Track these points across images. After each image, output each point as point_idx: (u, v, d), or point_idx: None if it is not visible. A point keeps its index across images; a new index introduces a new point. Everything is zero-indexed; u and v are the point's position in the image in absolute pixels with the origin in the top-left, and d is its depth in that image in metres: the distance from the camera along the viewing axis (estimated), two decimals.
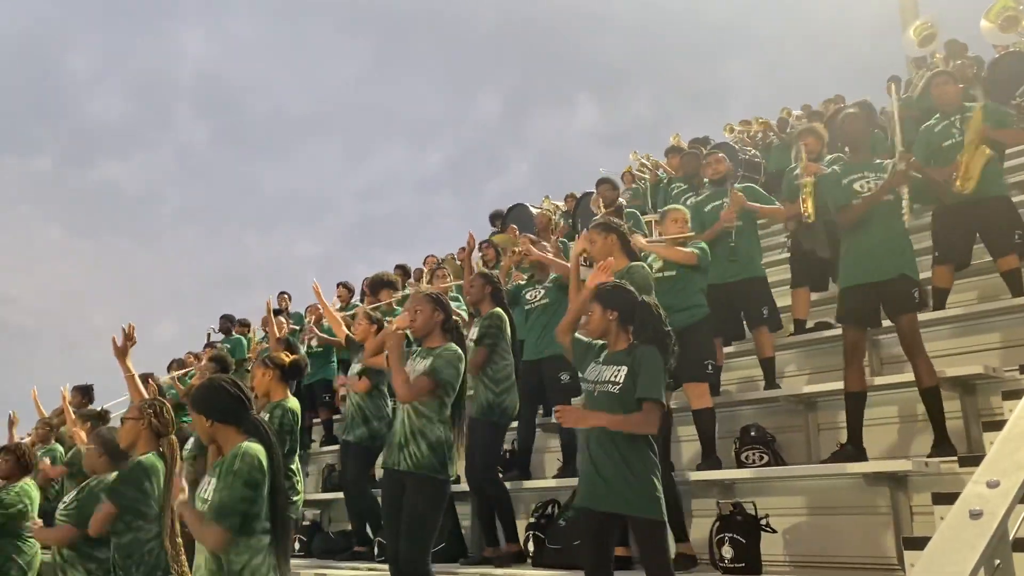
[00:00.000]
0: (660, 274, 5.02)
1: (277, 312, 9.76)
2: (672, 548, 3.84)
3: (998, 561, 1.39)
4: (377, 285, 7.17)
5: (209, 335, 11.21)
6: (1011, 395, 4.21)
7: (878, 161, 4.83)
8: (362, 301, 9.23)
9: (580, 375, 3.62)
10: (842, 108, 9.32)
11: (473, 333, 5.36)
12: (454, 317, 4.36)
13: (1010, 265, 5.43)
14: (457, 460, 4.24)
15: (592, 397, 3.49)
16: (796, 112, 12.12)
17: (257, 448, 2.96)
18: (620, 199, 8.61)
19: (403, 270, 10.37)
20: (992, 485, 1.48)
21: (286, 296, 11.08)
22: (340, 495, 7.04)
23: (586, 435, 3.53)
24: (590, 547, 3.44)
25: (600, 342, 3.61)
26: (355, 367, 6.23)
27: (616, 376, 3.41)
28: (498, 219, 11.92)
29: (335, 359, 9.05)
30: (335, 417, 8.92)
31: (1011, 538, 1.44)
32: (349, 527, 6.61)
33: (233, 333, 10.85)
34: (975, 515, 1.40)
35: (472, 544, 5.82)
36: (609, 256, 4.45)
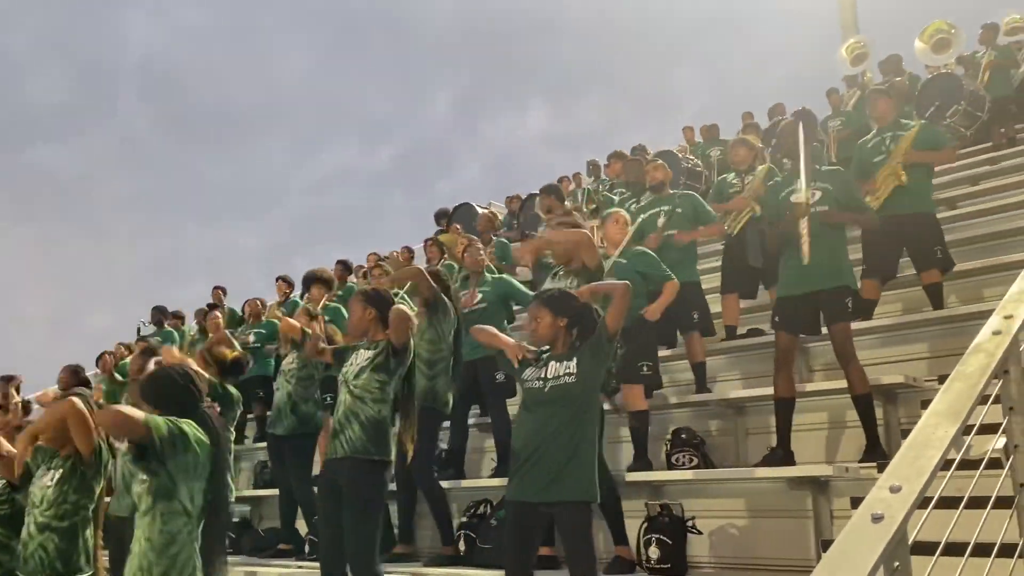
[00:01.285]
0: None
1: (212, 307, 9.59)
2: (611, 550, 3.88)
3: (897, 563, 1.44)
4: (309, 280, 7.08)
5: (139, 328, 10.93)
6: (930, 404, 4.35)
7: (816, 167, 4.95)
8: (301, 297, 9.12)
9: (521, 377, 3.59)
10: (782, 118, 9.55)
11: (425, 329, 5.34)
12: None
13: (932, 279, 5.63)
14: (407, 445, 4.18)
15: (542, 394, 3.44)
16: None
17: (195, 435, 2.94)
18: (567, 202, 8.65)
19: (344, 266, 10.25)
20: (894, 490, 1.53)
21: (220, 291, 10.89)
22: (272, 492, 6.97)
23: (533, 425, 3.47)
24: (516, 542, 3.43)
25: (543, 353, 3.63)
26: (284, 365, 6.16)
27: (568, 369, 3.41)
28: (444, 218, 11.91)
29: (271, 357, 8.92)
30: (268, 413, 8.79)
31: (910, 541, 1.49)
32: (278, 525, 6.53)
33: (165, 326, 10.63)
34: (877, 518, 1.45)
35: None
36: (573, 255, 4.44)
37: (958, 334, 5.26)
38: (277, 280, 9.63)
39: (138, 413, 2.82)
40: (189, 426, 2.92)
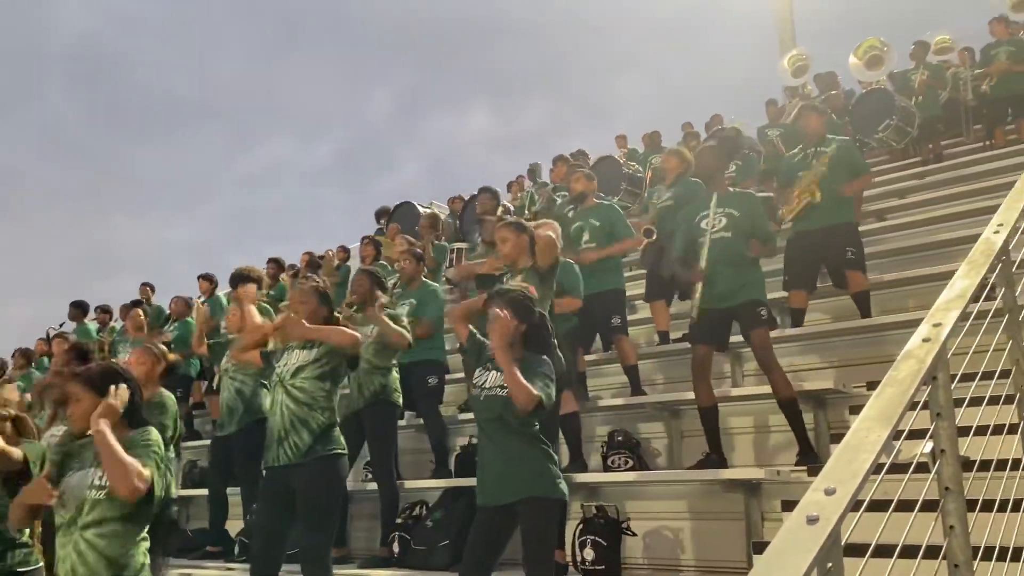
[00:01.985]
0: None
1: (135, 303, 9.32)
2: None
3: (830, 564, 1.46)
4: (236, 279, 6.93)
5: (49, 332, 10.42)
6: (858, 409, 4.43)
7: (731, 189, 5.03)
8: (228, 295, 8.94)
9: (471, 381, 3.59)
10: (713, 134, 9.72)
11: (372, 330, 5.28)
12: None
13: (860, 286, 5.79)
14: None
15: (479, 403, 3.47)
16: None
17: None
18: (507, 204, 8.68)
19: (276, 264, 10.08)
20: (829, 492, 1.55)
21: (148, 288, 10.58)
22: (199, 492, 6.82)
23: (482, 432, 3.51)
24: (481, 546, 3.41)
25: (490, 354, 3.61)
26: (225, 364, 5.99)
27: (502, 381, 3.38)
28: (384, 216, 11.80)
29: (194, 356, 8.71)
30: (194, 412, 8.59)
31: (843, 543, 1.52)
32: (206, 525, 6.37)
33: (84, 321, 10.30)
34: (812, 520, 1.47)
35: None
36: (519, 254, 4.44)
37: (884, 342, 5.43)
38: (199, 278, 9.40)
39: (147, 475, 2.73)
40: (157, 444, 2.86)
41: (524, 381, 3.24)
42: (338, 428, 4.02)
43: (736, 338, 4.91)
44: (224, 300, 8.39)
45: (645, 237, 6.42)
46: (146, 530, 2.85)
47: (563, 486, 3.41)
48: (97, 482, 2.80)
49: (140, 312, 8.76)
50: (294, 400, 3.93)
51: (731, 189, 5.06)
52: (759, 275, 4.85)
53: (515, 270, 4.41)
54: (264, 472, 4.10)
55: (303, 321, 4.00)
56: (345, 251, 10.58)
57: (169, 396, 4.73)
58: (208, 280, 9.11)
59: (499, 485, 3.37)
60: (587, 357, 6.08)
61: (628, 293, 6.55)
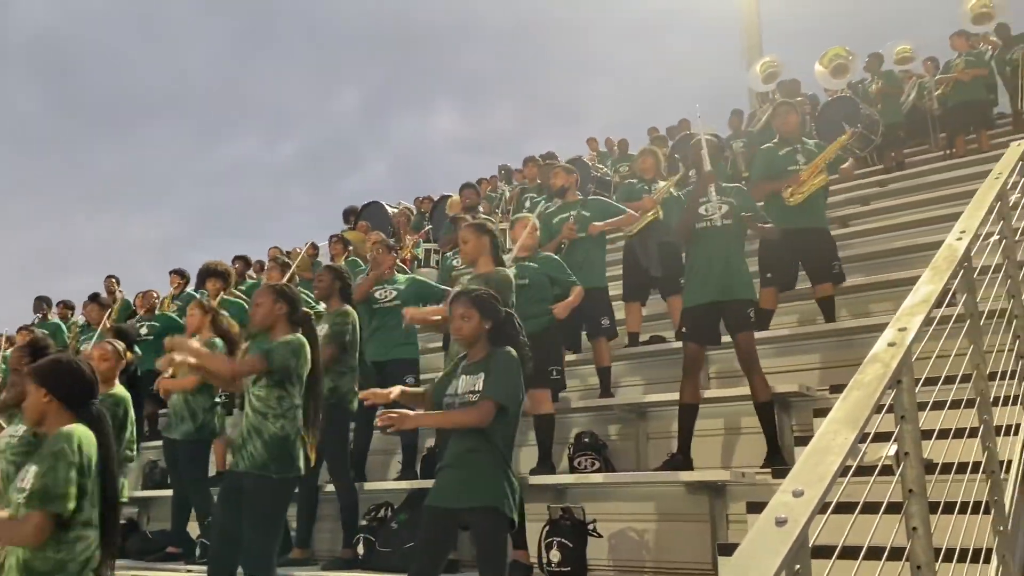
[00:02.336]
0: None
1: (94, 297, 9.15)
2: (509, 553, 3.87)
3: (798, 566, 1.47)
4: (204, 274, 6.84)
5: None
6: (822, 413, 4.53)
7: (721, 183, 5.11)
8: (196, 290, 8.82)
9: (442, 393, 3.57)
10: (688, 134, 9.82)
11: (323, 329, 5.24)
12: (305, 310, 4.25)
13: (826, 292, 5.88)
14: (309, 456, 4.11)
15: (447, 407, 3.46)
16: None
17: (85, 432, 2.77)
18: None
19: (244, 261, 9.98)
20: (797, 494, 1.56)
21: (114, 280, 10.40)
22: (160, 493, 6.72)
23: (451, 443, 3.49)
24: (426, 547, 3.40)
25: (461, 358, 3.60)
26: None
27: (475, 385, 3.37)
28: (352, 216, 11.73)
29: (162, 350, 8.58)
30: (161, 412, 8.45)
31: (811, 545, 1.53)
32: (168, 527, 6.27)
33: (50, 317, 10.09)
34: (780, 522, 1.47)
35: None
36: (480, 256, 4.48)
37: (847, 346, 5.51)
38: (171, 273, 9.28)
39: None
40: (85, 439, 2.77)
41: (460, 415, 3.32)
42: (296, 441, 3.96)
43: None
44: (194, 296, 8.29)
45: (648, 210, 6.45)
46: (88, 529, 2.76)
47: (513, 506, 3.37)
48: (20, 484, 2.72)
49: (97, 307, 8.59)
50: (252, 408, 3.93)
51: (722, 183, 5.12)
52: (748, 272, 4.96)
53: (477, 274, 4.44)
54: (224, 475, 4.08)
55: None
56: (315, 248, 10.51)
57: (126, 394, 4.65)
58: (180, 275, 9.00)
59: (455, 490, 3.35)
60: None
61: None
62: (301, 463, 3.97)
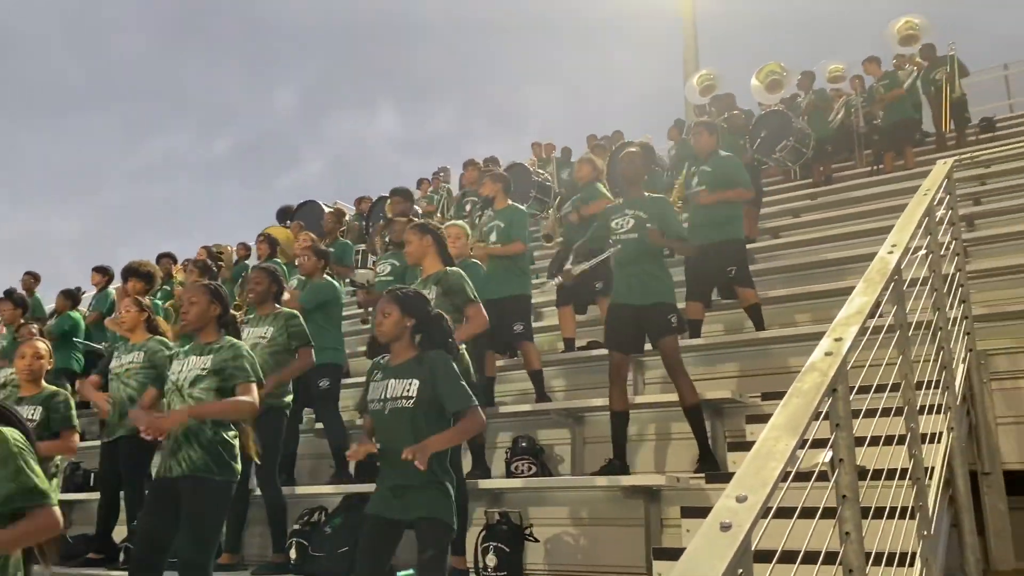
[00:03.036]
0: None
1: (8, 294, 8.80)
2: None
3: (741, 570, 1.49)
4: (128, 272, 6.63)
5: None
6: (753, 418, 4.65)
7: (646, 194, 5.19)
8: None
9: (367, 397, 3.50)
10: (624, 144, 9.95)
11: (267, 332, 5.12)
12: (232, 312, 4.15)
13: (749, 300, 6.02)
14: (250, 453, 4.00)
15: (383, 416, 3.36)
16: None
17: (13, 432, 2.64)
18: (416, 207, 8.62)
19: (171, 259, 9.72)
20: (740, 500, 1.58)
21: (31, 277, 9.99)
22: (83, 496, 6.49)
23: (385, 448, 3.41)
24: (369, 555, 3.35)
25: (382, 360, 3.55)
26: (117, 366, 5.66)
27: (408, 390, 3.32)
28: (287, 215, 11.53)
29: (79, 351, 8.29)
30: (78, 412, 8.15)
31: (753, 549, 1.56)
32: (88, 531, 6.05)
33: None
34: (725, 527, 1.50)
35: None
36: (425, 256, 4.45)
37: (777, 354, 5.66)
38: (93, 270, 8.98)
39: None
40: None
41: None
42: (234, 445, 3.87)
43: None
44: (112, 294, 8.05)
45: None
46: None
47: (454, 509, 3.36)
48: None
49: (9, 306, 8.23)
50: None
51: (646, 194, 5.18)
52: (668, 280, 5.00)
53: (427, 277, 4.43)
54: (153, 481, 3.94)
55: (184, 412, 3.72)
56: (246, 248, 10.29)
57: (60, 389, 4.51)
58: (102, 272, 8.70)
59: (398, 501, 3.31)
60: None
61: (534, 300, 6.59)
62: (239, 466, 3.88)
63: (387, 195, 9.51)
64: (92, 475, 6.89)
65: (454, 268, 4.61)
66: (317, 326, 5.68)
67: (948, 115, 10.66)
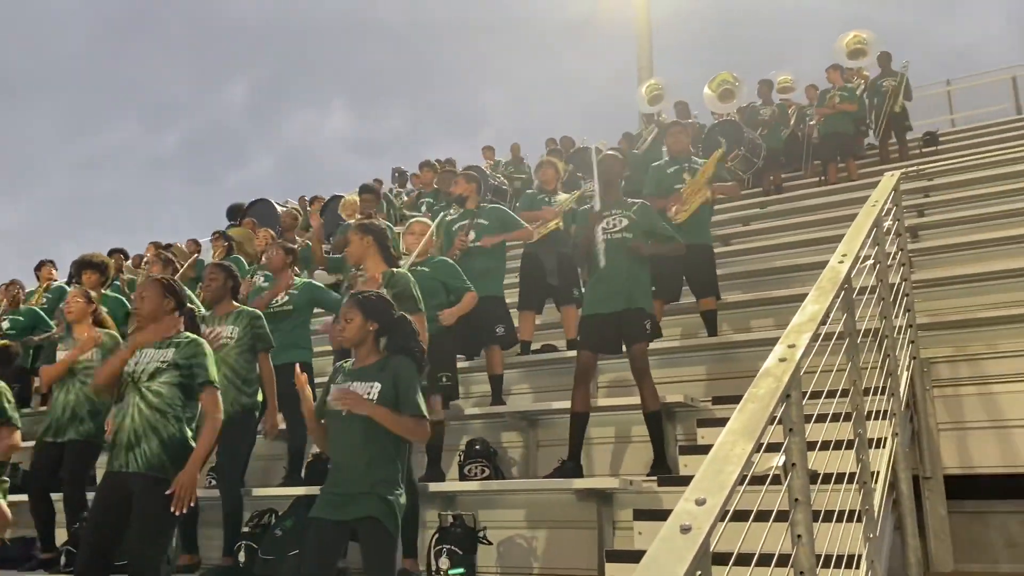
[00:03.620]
0: None
1: None
2: (399, 561, 3.85)
3: (700, 572, 1.52)
4: (82, 266, 6.49)
5: None
6: (705, 422, 4.72)
7: (628, 200, 5.23)
8: (69, 283, 8.35)
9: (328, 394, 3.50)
10: (586, 147, 10.04)
11: (233, 331, 5.04)
12: (189, 306, 4.09)
13: (708, 306, 6.13)
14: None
15: (339, 418, 3.36)
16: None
17: None
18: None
19: (122, 255, 9.53)
20: (700, 503, 1.61)
21: None
22: (19, 498, 6.29)
23: (338, 453, 3.43)
24: (315, 559, 3.33)
25: (346, 364, 3.54)
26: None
27: (369, 393, 3.33)
28: (238, 213, 11.37)
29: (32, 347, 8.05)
30: (24, 411, 7.92)
31: (711, 551, 1.58)
32: (25, 534, 5.88)
33: None
34: (685, 530, 1.52)
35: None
36: (365, 257, 4.44)
37: (728, 360, 5.76)
38: (43, 265, 8.75)
39: None
40: None
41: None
42: (193, 442, 3.81)
43: None
44: (66, 288, 7.85)
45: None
46: None
47: (399, 517, 3.36)
48: None
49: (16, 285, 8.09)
50: (148, 405, 3.71)
51: (628, 200, 5.22)
52: (648, 285, 5.06)
53: (367, 272, 4.42)
54: (104, 477, 3.84)
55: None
56: (196, 244, 10.12)
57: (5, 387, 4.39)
58: (51, 267, 8.49)
59: (342, 502, 3.31)
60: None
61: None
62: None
63: (340, 194, 9.45)
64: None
65: (401, 271, 4.61)
66: (299, 325, 5.65)
67: (886, 127, 10.94)
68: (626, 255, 4.92)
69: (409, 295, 4.39)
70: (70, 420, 5.23)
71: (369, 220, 5.14)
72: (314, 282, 6.25)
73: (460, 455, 5.29)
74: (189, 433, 3.77)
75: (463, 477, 5.12)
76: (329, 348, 7.06)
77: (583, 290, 6.26)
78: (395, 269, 4.59)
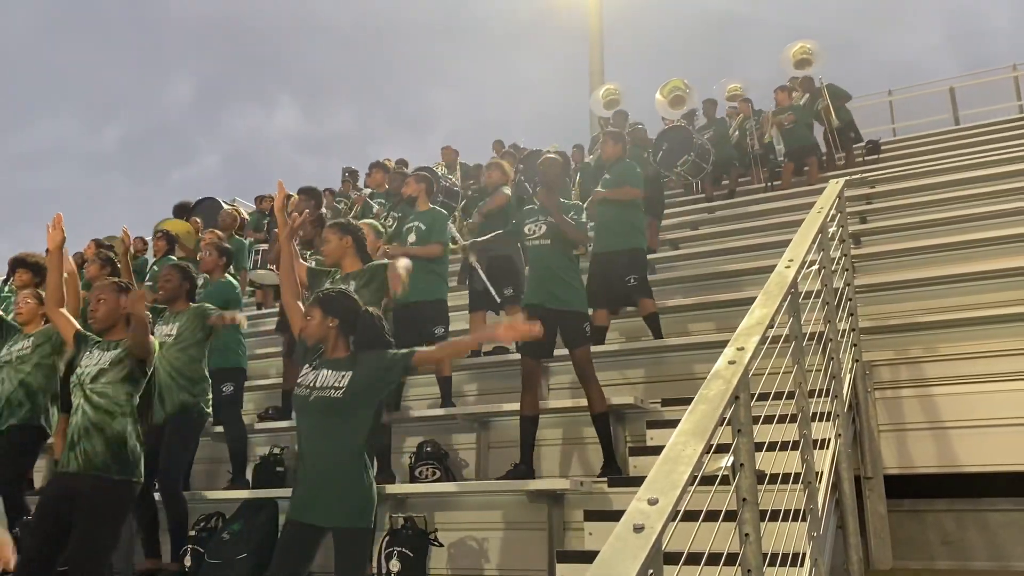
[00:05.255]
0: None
1: None
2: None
3: (652, 571, 1.54)
4: (16, 264, 6.32)
5: None
6: (654, 424, 4.78)
7: (562, 201, 5.27)
8: (5, 282, 8.09)
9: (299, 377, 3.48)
10: (536, 151, 10.09)
11: (173, 329, 4.97)
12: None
13: (648, 310, 6.19)
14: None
15: (307, 403, 3.34)
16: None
17: None
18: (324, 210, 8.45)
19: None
20: (652, 503, 1.64)
21: None
22: None
23: (304, 444, 3.39)
24: (284, 558, 3.29)
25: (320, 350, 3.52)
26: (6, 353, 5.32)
27: (340, 381, 3.31)
28: (184, 212, 11.14)
29: None
30: None
31: (663, 550, 1.61)
32: None
33: None
34: (638, 529, 1.55)
35: (119, 557, 5.29)
36: (342, 256, 4.40)
37: (675, 362, 5.83)
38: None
39: None
40: None
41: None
42: (138, 443, 3.74)
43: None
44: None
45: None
46: None
47: (373, 513, 3.37)
48: None
49: None
50: (92, 406, 3.66)
51: (561, 200, 5.25)
52: (581, 288, 5.11)
53: (347, 274, 4.39)
54: (48, 482, 3.75)
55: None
56: (143, 242, 9.90)
57: None
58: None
59: (316, 505, 3.28)
60: None
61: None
62: (142, 468, 3.74)
63: (290, 194, 9.30)
64: None
65: (379, 264, 4.57)
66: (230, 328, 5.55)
67: (833, 141, 11.20)
68: (548, 258, 4.98)
69: (382, 281, 4.35)
70: (5, 408, 5.03)
71: (347, 220, 5.06)
72: (223, 280, 6.12)
73: (411, 457, 5.27)
74: (136, 429, 3.71)
75: (414, 479, 5.10)
76: (273, 351, 7.01)
77: (512, 291, 6.33)
78: (375, 264, 4.55)
